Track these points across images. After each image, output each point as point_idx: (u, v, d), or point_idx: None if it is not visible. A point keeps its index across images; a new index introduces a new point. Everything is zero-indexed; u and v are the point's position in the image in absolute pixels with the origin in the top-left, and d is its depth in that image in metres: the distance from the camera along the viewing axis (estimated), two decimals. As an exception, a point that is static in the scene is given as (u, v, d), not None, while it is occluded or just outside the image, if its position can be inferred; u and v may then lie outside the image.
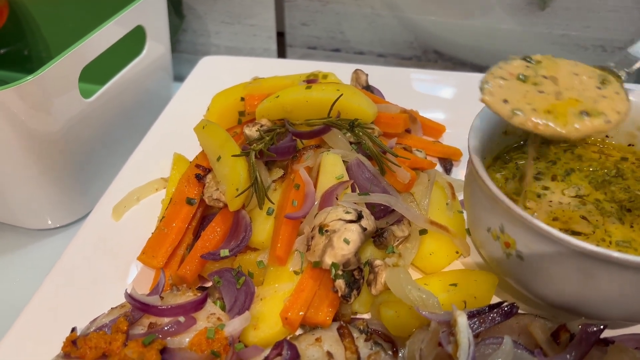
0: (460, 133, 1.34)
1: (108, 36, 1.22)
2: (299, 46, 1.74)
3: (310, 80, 1.36)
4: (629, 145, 1.06)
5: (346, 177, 1.03)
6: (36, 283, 1.10)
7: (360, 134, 1.10)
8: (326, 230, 0.91)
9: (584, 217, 0.90)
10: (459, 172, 1.25)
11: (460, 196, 1.15)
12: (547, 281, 0.84)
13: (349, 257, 0.89)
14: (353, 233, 0.90)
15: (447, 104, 1.43)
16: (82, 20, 1.62)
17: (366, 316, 0.94)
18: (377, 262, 0.93)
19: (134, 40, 1.35)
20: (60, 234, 1.28)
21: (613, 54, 1.54)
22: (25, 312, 0.93)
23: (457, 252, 1.02)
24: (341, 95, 1.11)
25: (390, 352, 0.86)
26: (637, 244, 0.87)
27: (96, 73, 1.26)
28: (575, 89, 0.87)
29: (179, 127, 1.31)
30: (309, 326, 0.90)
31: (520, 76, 0.89)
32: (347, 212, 0.93)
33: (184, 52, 1.79)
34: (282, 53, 1.76)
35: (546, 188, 0.97)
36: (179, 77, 1.69)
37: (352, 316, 0.93)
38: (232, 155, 1.04)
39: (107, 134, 1.31)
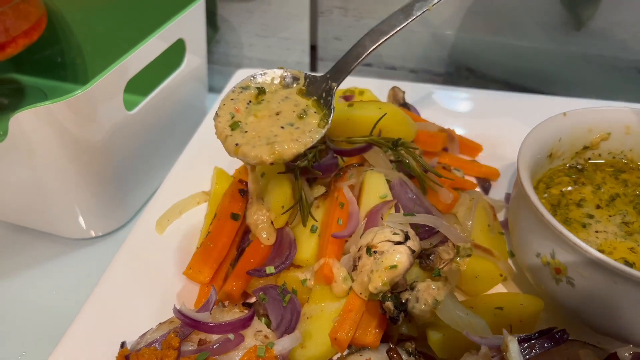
0: (494, 152, 1.35)
1: (151, 50, 1.23)
2: (331, 60, 1.74)
3: (347, 96, 1.37)
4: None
5: (390, 197, 1.04)
6: (74, 293, 1.11)
7: (404, 153, 1.11)
8: (374, 252, 0.92)
9: (631, 249, 0.90)
10: (497, 193, 1.25)
11: (500, 217, 1.15)
12: (599, 309, 0.84)
13: (398, 279, 0.90)
14: (402, 255, 0.90)
15: (480, 123, 1.43)
16: (116, 30, 1.64)
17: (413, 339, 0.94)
18: (420, 285, 0.93)
19: (172, 52, 1.37)
20: (98, 243, 1.29)
21: (648, 75, 1.54)
22: (74, 325, 0.94)
23: (500, 275, 1.02)
24: (385, 114, 1.12)
25: (438, 376, 0.86)
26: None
27: (134, 83, 1.28)
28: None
29: (218, 140, 1.32)
30: (355, 347, 0.91)
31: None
32: (395, 234, 0.93)
33: (217, 63, 1.80)
34: (313, 66, 1.77)
35: (591, 216, 0.97)
36: (211, 88, 1.71)
37: (399, 338, 0.93)
38: (278, 172, 1.05)
39: (146, 145, 1.32)
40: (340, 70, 1.07)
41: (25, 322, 1.12)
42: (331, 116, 0.99)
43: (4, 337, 1.10)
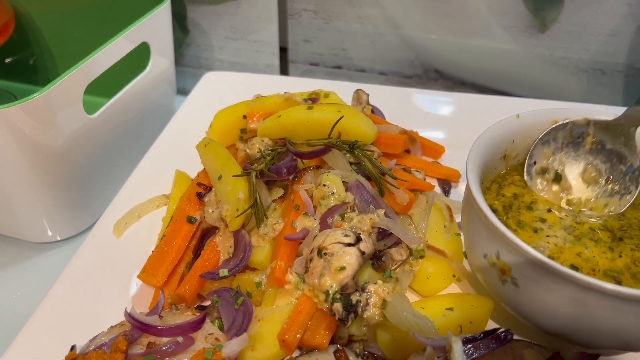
0: (459, 154, 1.35)
1: (113, 53, 1.24)
2: (301, 62, 1.75)
3: (313, 98, 1.38)
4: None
5: (346, 198, 1.04)
6: (37, 296, 1.10)
7: (360, 155, 1.12)
8: (325, 253, 0.93)
9: (579, 254, 0.91)
10: (458, 194, 1.26)
11: (458, 218, 1.16)
12: (541, 309, 0.85)
13: (347, 280, 0.90)
14: (351, 257, 0.91)
15: (446, 124, 1.44)
16: (87, 32, 1.64)
17: (362, 340, 0.95)
18: (370, 286, 0.94)
19: (138, 55, 1.37)
20: (62, 247, 1.29)
21: (612, 76, 1.55)
22: (26, 328, 0.94)
23: (453, 276, 1.03)
24: (342, 117, 1.13)
25: (385, 376, 0.87)
26: (621, 274, 0.88)
27: (99, 86, 1.28)
28: None
29: (181, 143, 1.32)
30: (305, 348, 0.91)
31: None
32: (346, 235, 0.94)
33: (188, 66, 1.80)
34: (284, 69, 1.78)
35: (543, 220, 0.98)
36: (182, 91, 1.71)
37: (348, 339, 0.94)
38: (233, 176, 1.05)
39: (109, 149, 1.32)
40: None
41: (-15, 326, 1.12)
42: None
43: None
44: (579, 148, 1.06)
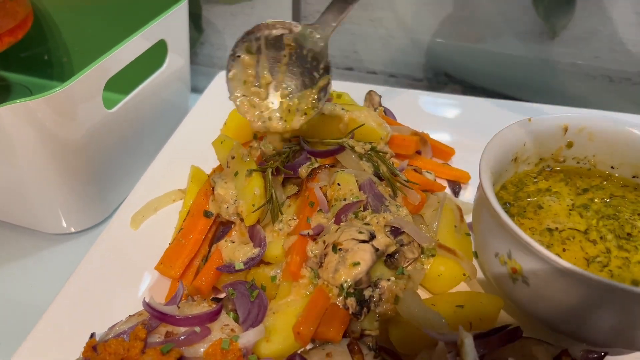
0: (468, 156, 1.37)
1: (132, 50, 1.26)
2: (313, 63, 1.78)
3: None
4: (633, 177, 1.10)
5: (359, 197, 1.07)
6: (53, 286, 1.13)
7: (374, 156, 1.14)
8: (339, 249, 0.95)
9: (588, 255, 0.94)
10: (467, 195, 1.29)
11: (468, 219, 1.18)
12: (551, 307, 0.87)
13: (361, 276, 0.93)
14: (366, 253, 0.93)
15: (456, 127, 1.46)
16: (103, 29, 1.67)
17: (374, 334, 0.97)
18: (383, 282, 0.96)
19: (154, 52, 1.40)
20: (77, 239, 1.31)
21: (620, 84, 1.58)
22: (46, 315, 0.96)
23: (464, 274, 1.05)
24: (363, 124, 1.15)
25: (397, 370, 0.89)
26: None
27: (115, 83, 1.30)
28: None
29: (196, 140, 1.35)
30: (319, 341, 0.93)
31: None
32: (360, 232, 0.96)
33: (201, 64, 1.83)
34: (296, 69, 1.80)
35: (557, 222, 1.00)
36: (195, 89, 1.74)
37: (360, 334, 0.96)
38: (249, 170, 1.07)
39: (125, 144, 1.35)
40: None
41: (2, 314, 1.14)
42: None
43: (-20, 328, 1.12)
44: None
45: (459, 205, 1.18)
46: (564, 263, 0.80)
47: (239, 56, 1.07)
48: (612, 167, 1.12)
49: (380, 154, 1.14)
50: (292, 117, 1.05)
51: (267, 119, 1.07)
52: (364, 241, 0.96)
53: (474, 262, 1.09)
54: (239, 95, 1.07)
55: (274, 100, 1.09)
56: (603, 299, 0.81)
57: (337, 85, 1.48)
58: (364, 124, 1.16)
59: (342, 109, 1.18)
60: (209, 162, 1.27)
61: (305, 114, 1.05)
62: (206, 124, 1.39)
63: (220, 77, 1.57)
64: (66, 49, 1.78)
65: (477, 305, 0.97)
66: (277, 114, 1.07)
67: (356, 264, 0.92)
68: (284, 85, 1.07)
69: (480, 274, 1.08)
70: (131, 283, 1.05)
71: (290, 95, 1.07)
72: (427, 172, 1.26)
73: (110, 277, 1.04)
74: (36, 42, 1.76)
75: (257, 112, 1.06)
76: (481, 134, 1.41)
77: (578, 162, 1.14)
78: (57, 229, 1.30)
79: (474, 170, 1.33)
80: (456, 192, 1.28)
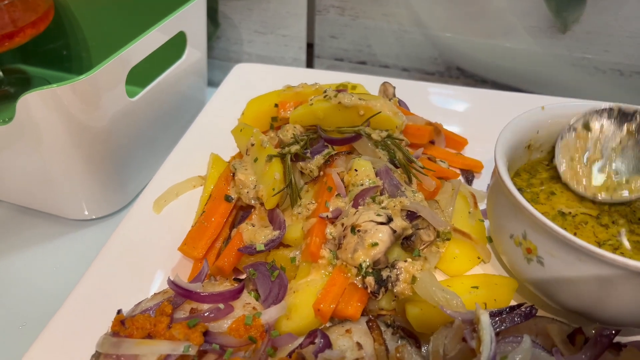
0: (479, 148, 1.40)
1: (153, 40, 1.29)
2: (327, 57, 1.81)
3: (340, 90, 1.43)
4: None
5: (376, 182, 1.09)
6: (74, 270, 1.16)
7: (390, 143, 1.17)
8: (358, 230, 0.98)
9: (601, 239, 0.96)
10: (480, 184, 1.31)
11: (481, 206, 1.21)
12: (565, 286, 0.90)
13: (379, 256, 0.95)
14: (384, 234, 0.96)
15: (467, 119, 1.49)
16: (120, 24, 1.70)
17: (391, 313, 0.99)
18: (401, 263, 0.99)
19: (172, 46, 1.43)
20: (97, 225, 1.35)
21: (630, 78, 1.60)
22: (73, 293, 0.99)
23: (478, 258, 1.08)
24: (379, 112, 1.18)
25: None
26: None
27: (137, 76, 1.34)
28: None
29: (214, 129, 1.38)
30: (338, 319, 0.96)
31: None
32: (378, 215, 0.99)
33: (217, 58, 1.86)
34: (310, 63, 1.83)
35: (570, 207, 1.02)
36: (211, 83, 1.77)
37: (378, 313, 0.98)
38: (269, 155, 1.10)
39: (146, 133, 1.38)
40: None
41: (27, 296, 1.18)
42: None
43: (6, 309, 1.15)
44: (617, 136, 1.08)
45: (473, 192, 1.20)
46: (578, 241, 0.83)
47: (575, 128, 1.08)
48: (623, 155, 1.14)
49: (397, 140, 1.17)
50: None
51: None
52: (381, 223, 0.98)
53: (488, 247, 1.12)
54: (563, 162, 1.07)
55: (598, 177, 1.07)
56: (616, 278, 0.83)
57: (351, 77, 1.52)
58: (380, 112, 1.19)
59: (360, 98, 1.21)
60: (228, 151, 1.30)
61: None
62: (223, 114, 1.43)
63: (237, 69, 1.60)
64: (85, 43, 1.81)
65: (491, 287, 0.99)
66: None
67: (374, 244, 0.95)
68: (613, 168, 1.06)
69: (494, 260, 1.11)
70: (154, 264, 1.08)
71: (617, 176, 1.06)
72: (441, 161, 1.29)
73: (134, 259, 1.07)
74: (56, 36, 1.80)
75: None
76: (493, 125, 1.43)
77: (590, 151, 1.16)
78: (78, 215, 1.33)
79: (485, 160, 1.36)
80: (469, 181, 1.30)
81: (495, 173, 0.99)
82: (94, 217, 1.35)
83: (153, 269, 1.06)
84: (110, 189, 1.34)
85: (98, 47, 1.81)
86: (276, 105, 1.35)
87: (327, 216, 1.04)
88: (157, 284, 1.02)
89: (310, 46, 1.81)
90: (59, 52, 1.85)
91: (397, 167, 1.16)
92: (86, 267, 1.05)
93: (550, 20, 1.57)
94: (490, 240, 1.12)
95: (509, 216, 0.95)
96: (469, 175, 1.31)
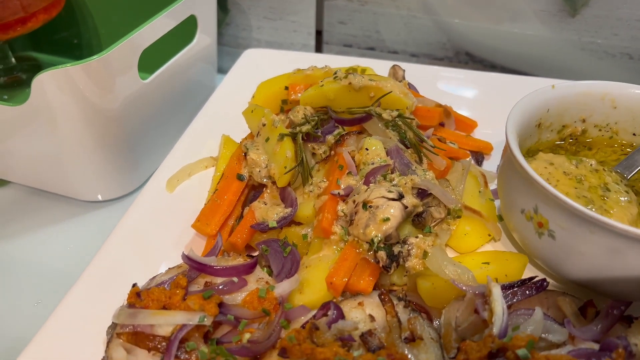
0: (489, 129, 1.41)
1: (165, 23, 1.31)
2: (335, 44, 1.81)
3: (350, 74, 1.44)
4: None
5: (387, 161, 1.10)
6: (87, 251, 1.17)
7: (400, 123, 1.17)
8: (370, 206, 0.98)
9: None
10: (489, 166, 1.31)
11: (492, 186, 1.21)
12: (576, 260, 0.90)
13: (391, 231, 0.96)
14: (395, 209, 0.97)
15: (476, 102, 1.49)
16: (130, 13, 1.72)
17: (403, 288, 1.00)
18: (412, 239, 0.99)
19: (183, 31, 1.43)
20: (109, 206, 1.36)
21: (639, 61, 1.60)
22: (88, 270, 1.01)
23: (489, 235, 1.08)
24: (390, 91, 1.18)
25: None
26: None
27: (148, 62, 1.34)
28: None
29: (224, 112, 1.39)
30: (350, 293, 0.97)
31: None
32: (390, 191, 1.00)
33: (226, 45, 1.87)
34: (319, 49, 1.84)
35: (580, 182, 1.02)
36: (220, 70, 1.78)
37: (389, 288, 0.99)
38: (281, 134, 1.11)
39: (158, 116, 1.39)
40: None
41: (41, 275, 1.20)
42: None
43: (21, 288, 1.17)
44: None
45: (483, 172, 1.20)
46: (590, 213, 0.83)
47: None
48: (634, 134, 1.15)
49: (407, 120, 1.17)
50: None
51: None
52: (393, 199, 0.99)
53: (499, 225, 1.12)
54: None
55: None
56: (628, 249, 0.84)
57: (360, 61, 1.52)
58: (390, 92, 1.19)
59: (370, 79, 1.22)
60: (239, 134, 1.31)
61: None
62: (234, 98, 1.44)
63: (247, 55, 1.61)
64: (96, 31, 1.83)
65: (502, 262, 1.00)
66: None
67: (386, 219, 0.96)
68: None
69: (504, 239, 1.12)
70: (168, 240, 1.09)
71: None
72: (451, 142, 1.29)
73: (148, 234, 1.08)
74: (67, 24, 1.81)
75: None
76: (502, 109, 1.43)
77: (600, 130, 1.16)
78: (89, 196, 1.35)
79: (495, 142, 1.36)
80: (479, 162, 1.31)
81: (507, 149, 1.00)
82: (106, 198, 1.36)
83: (167, 246, 1.07)
84: (123, 171, 1.35)
85: (109, 35, 1.82)
86: (286, 88, 1.36)
87: (338, 193, 1.05)
88: (171, 261, 1.03)
89: (319, 33, 1.81)
90: (69, 40, 1.86)
91: (407, 147, 1.16)
92: (99, 248, 1.06)
93: (560, 4, 1.57)
94: (500, 219, 1.13)
95: (521, 191, 0.95)
96: (479, 156, 1.32)
